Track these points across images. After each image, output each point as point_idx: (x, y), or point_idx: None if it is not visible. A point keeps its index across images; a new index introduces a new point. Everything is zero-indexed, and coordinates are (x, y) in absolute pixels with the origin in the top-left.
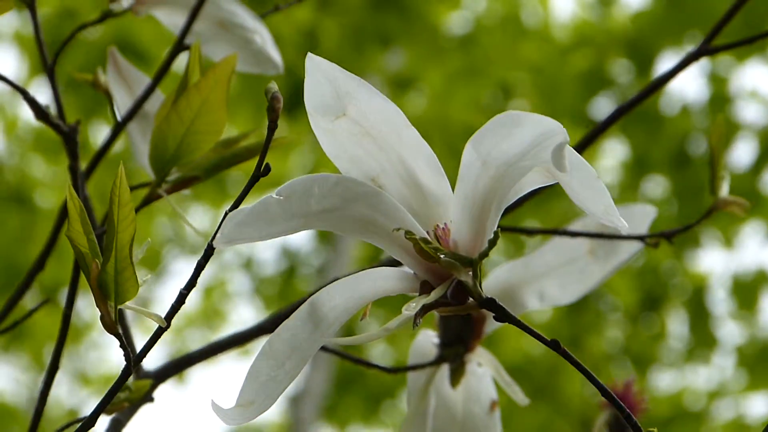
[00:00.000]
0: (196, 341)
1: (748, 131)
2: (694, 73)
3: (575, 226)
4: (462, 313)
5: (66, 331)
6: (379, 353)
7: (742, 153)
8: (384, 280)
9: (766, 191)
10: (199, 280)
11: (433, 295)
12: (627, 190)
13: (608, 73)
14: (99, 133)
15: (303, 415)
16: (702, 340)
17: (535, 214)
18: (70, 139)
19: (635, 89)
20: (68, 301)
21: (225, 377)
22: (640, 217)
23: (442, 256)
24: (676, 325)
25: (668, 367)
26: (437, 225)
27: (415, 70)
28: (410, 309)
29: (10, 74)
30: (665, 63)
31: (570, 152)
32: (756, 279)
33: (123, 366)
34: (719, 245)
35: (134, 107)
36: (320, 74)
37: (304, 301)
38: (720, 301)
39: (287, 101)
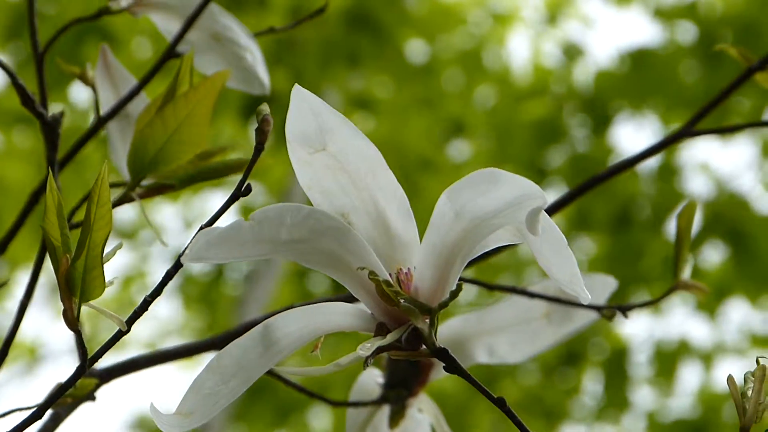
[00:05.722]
0: (106, 330)
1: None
2: (648, 137)
3: (535, 287)
4: (414, 359)
5: None
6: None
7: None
8: (341, 316)
9: (701, 264)
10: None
11: (389, 339)
12: None
13: (563, 126)
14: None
15: (211, 421)
16: (614, 401)
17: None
18: (52, 129)
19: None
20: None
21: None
22: (601, 288)
23: (402, 300)
24: (592, 383)
25: (579, 422)
26: (401, 269)
27: (375, 92)
28: (365, 349)
29: None
30: (622, 125)
31: (544, 217)
32: (678, 349)
33: (77, 365)
34: (646, 311)
35: (117, 106)
36: (306, 106)
37: (255, 323)
38: (639, 365)
39: (248, 101)
